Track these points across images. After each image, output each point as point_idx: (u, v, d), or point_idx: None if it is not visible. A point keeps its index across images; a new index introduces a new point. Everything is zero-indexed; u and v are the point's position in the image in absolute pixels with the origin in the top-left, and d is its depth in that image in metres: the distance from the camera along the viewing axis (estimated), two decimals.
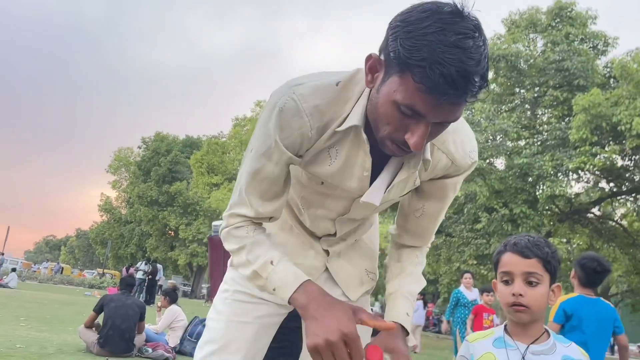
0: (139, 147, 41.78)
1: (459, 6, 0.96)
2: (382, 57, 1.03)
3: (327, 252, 1.41)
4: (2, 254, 30.69)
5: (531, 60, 16.34)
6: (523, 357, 1.38)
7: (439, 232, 18.26)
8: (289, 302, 1.15)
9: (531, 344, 1.39)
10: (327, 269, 1.42)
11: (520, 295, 1.35)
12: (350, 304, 1.12)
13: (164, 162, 37.94)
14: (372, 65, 1.05)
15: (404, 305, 1.29)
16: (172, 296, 6.91)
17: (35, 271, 34.51)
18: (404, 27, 0.96)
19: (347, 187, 1.22)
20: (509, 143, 15.51)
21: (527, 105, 17.41)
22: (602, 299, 3.43)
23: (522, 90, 17.38)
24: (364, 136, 1.12)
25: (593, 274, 3.29)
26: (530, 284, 1.36)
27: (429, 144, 1.15)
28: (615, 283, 21.58)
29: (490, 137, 15.30)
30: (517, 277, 1.37)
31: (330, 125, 1.15)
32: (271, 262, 1.17)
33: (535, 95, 16.90)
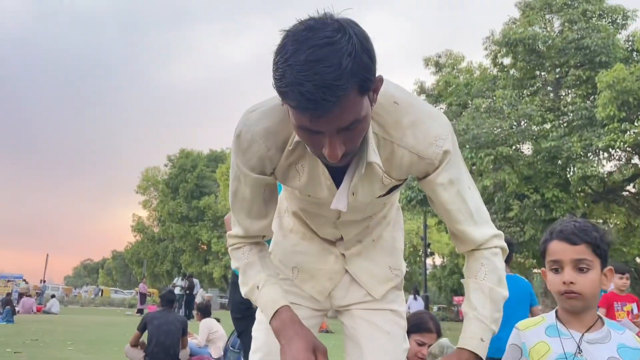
0: (166, 165, 42.43)
1: (313, 20, 0.98)
2: None
3: (344, 255, 1.45)
4: (44, 281, 31.49)
5: (549, 42, 16.05)
6: (579, 347, 1.34)
7: None
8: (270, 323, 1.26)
9: (586, 332, 1.36)
10: (347, 271, 1.46)
11: (572, 283, 1.32)
12: (318, 342, 1.19)
13: (190, 178, 38.45)
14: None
15: (478, 329, 1.23)
16: (203, 311, 7.02)
17: (76, 295, 35.29)
18: (274, 59, 1.00)
19: (321, 196, 1.26)
20: (534, 127, 15.24)
21: (549, 87, 17.10)
22: (517, 274, 3.76)
23: (542, 73, 17.08)
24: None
25: None
26: (580, 270, 1.33)
27: (370, 146, 1.15)
28: None
29: (515, 123, 15.07)
30: (567, 264, 1.34)
31: (287, 142, 1.21)
32: (257, 287, 1.29)
33: (557, 76, 16.59)
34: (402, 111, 1.18)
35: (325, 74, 0.92)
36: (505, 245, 1.32)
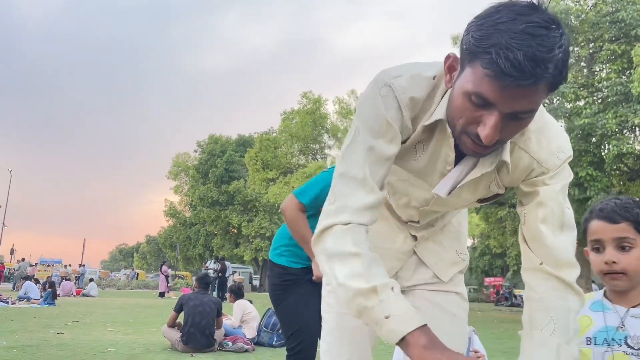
0: (195, 151, 43.02)
1: (535, 0, 0.97)
2: (459, 56, 1.05)
3: (414, 237, 1.44)
4: (83, 265, 32.51)
5: (582, 16, 15.57)
6: (622, 321, 1.33)
7: (501, 203, 17.82)
8: (402, 338, 0.99)
9: (632, 307, 1.34)
10: (415, 252, 1.45)
11: (614, 262, 1.30)
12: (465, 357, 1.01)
13: (220, 163, 38.90)
14: (450, 64, 1.07)
15: None
16: (236, 292, 7.17)
17: (113, 278, 36.37)
18: (477, 22, 0.98)
19: (430, 181, 1.23)
20: (567, 104, 14.89)
21: (582, 63, 16.63)
22: None
23: (575, 48, 16.60)
24: (449, 130, 1.11)
25: None
26: (622, 249, 1.31)
27: (507, 144, 1.11)
28: None
29: (547, 102, 14.74)
30: (608, 243, 1.32)
31: (420, 118, 1.16)
32: (392, 288, 1.05)
33: (591, 51, 16.12)
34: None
35: (538, 51, 0.91)
36: (581, 290, 1.15)
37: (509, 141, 1.13)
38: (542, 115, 1.18)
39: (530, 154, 1.15)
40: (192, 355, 5.70)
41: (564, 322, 1.11)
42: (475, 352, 2.34)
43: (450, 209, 1.34)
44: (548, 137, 1.16)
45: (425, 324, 1.00)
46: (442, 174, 1.19)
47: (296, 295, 2.66)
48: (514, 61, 0.90)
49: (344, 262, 1.07)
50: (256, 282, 37.32)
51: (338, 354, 1.43)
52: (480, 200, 1.27)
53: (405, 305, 1.02)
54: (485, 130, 0.99)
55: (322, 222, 1.12)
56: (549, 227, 1.15)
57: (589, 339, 1.37)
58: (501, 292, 31.67)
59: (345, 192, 1.12)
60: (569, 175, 1.19)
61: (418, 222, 1.40)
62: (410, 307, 1.02)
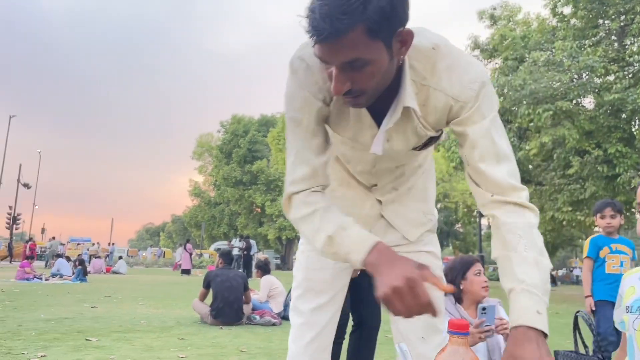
0: (219, 132, 43.32)
1: None
2: None
3: (380, 201, 1.51)
4: (113, 244, 33.31)
5: None
6: None
7: (527, 182, 17.58)
8: (363, 265, 1.12)
9: None
10: (383, 216, 1.52)
11: None
12: (417, 261, 1.08)
13: (243, 143, 39.13)
14: None
15: (530, 302, 1.06)
16: (263, 268, 7.30)
17: (141, 257, 37.19)
18: None
19: (362, 141, 1.31)
20: (596, 79, 14.53)
21: (613, 37, 16.15)
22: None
23: (606, 21, 16.12)
24: None
25: None
26: None
27: (408, 89, 1.16)
28: None
29: (575, 76, 14.41)
30: None
31: None
32: (343, 228, 1.17)
33: (622, 24, 15.63)
34: (439, 55, 1.20)
35: (334, 6, 0.98)
36: (534, 207, 1.19)
37: (422, 85, 1.20)
38: (452, 52, 1.21)
39: (445, 92, 1.20)
40: (221, 328, 5.86)
41: (530, 237, 1.15)
42: (501, 319, 2.43)
43: (396, 163, 1.41)
44: (458, 72, 1.20)
45: (377, 242, 1.12)
46: (371, 134, 1.27)
47: None
48: (313, 21, 1.01)
49: (306, 224, 1.25)
50: (279, 261, 37.71)
51: (308, 299, 1.53)
52: (418, 148, 1.33)
53: (354, 237, 1.16)
54: (331, 85, 1.09)
55: (284, 193, 1.30)
56: (487, 163, 1.20)
57: (628, 307, 1.39)
58: None
59: (289, 171, 1.30)
60: (495, 105, 1.22)
61: (377, 185, 1.47)
62: (358, 235, 1.16)
